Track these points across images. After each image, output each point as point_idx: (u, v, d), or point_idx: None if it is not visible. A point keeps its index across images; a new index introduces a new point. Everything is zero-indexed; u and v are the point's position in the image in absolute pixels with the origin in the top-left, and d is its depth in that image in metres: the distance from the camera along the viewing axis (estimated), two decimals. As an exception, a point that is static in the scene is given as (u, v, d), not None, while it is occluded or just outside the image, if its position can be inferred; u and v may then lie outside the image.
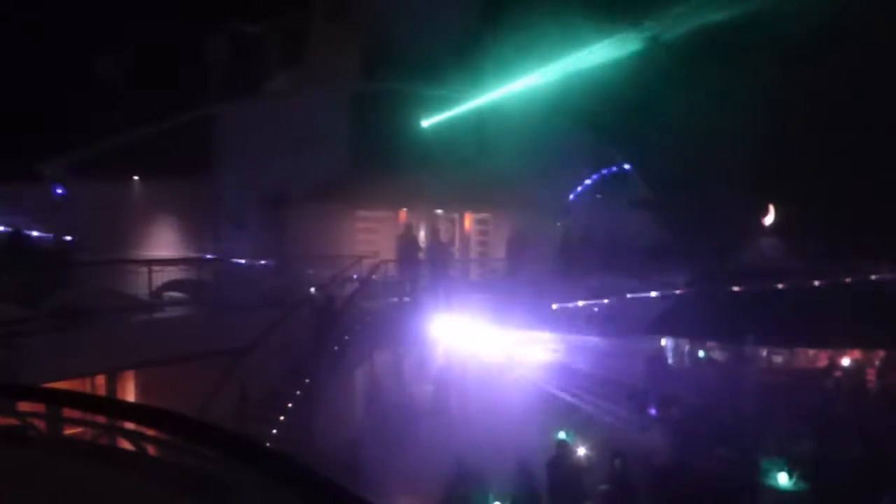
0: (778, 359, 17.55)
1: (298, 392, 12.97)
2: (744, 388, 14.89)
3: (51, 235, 15.61)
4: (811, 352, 17.68)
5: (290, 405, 12.80)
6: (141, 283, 13.65)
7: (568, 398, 13.56)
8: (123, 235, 17.15)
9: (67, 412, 3.96)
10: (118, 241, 16.72)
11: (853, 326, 15.92)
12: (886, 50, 22.66)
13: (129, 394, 14.10)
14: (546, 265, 18.51)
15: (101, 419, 3.81)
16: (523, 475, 11.07)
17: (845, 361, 17.06)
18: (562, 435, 12.25)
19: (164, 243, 17.47)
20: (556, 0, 18.34)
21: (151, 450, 3.00)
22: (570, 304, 16.76)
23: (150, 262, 14.15)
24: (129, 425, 3.07)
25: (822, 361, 17.36)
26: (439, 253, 17.50)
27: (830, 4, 17.98)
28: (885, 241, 19.62)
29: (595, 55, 18.70)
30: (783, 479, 12.05)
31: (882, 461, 12.11)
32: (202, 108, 17.91)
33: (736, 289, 16.97)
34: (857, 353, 17.10)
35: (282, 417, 12.55)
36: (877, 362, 16.87)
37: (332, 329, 13.87)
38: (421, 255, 17.38)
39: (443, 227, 19.62)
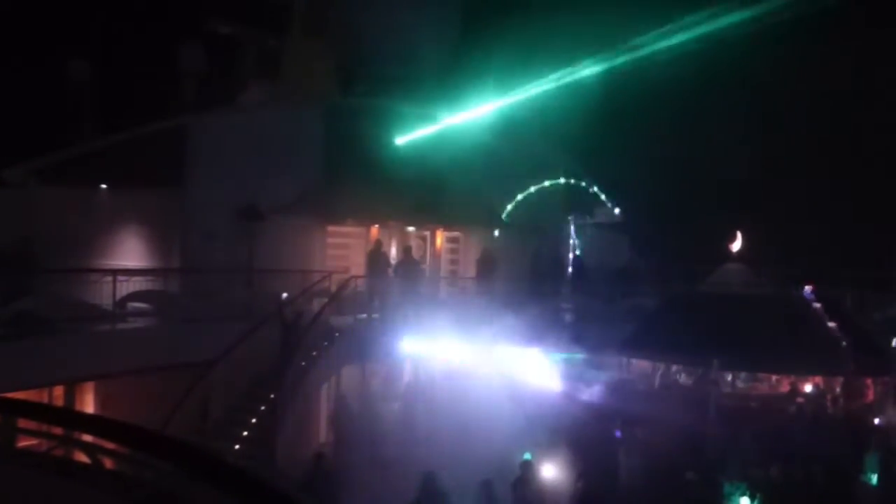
0: (741, 384, 17.76)
1: (263, 407, 12.79)
2: (708, 412, 15.02)
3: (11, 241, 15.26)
4: (774, 377, 17.92)
5: (253, 420, 12.61)
6: (105, 293, 13.39)
7: (534, 417, 13.55)
8: (89, 244, 16.85)
9: (23, 423, 3.85)
10: (83, 250, 16.42)
11: (814, 353, 16.21)
12: (848, 77, 23.37)
13: (89, 406, 13.79)
14: (516, 285, 18.58)
15: (57, 431, 3.72)
16: (487, 495, 11.02)
17: (807, 388, 17.33)
18: (527, 455, 12.23)
19: (130, 253, 17.19)
20: (530, 22, 18.60)
21: (108, 463, 2.93)
22: (539, 325, 16.80)
23: (116, 272, 13.90)
24: (87, 437, 3.00)
25: (785, 387, 17.60)
26: (409, 270, 17.47)
27: (797, 40, 18.53)
28: (849, 270, 20.09)
29: (569, 78, 18.95)
30: None
31: (841, 486, 12.30)
32: (175, 118, 17.74)
33: (701, 313, 17.17)
34: (819, 380, 17.38)
35: (245, 433, 12.36)
36: (837, 389, 17.15)
37: (299, 344, 13.72)
38: (391, 272, 17.33)
39: (414, 244, 19.61)
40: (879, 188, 23.92)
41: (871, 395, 16.97)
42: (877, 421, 15.80)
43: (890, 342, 17.00)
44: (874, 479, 12.54)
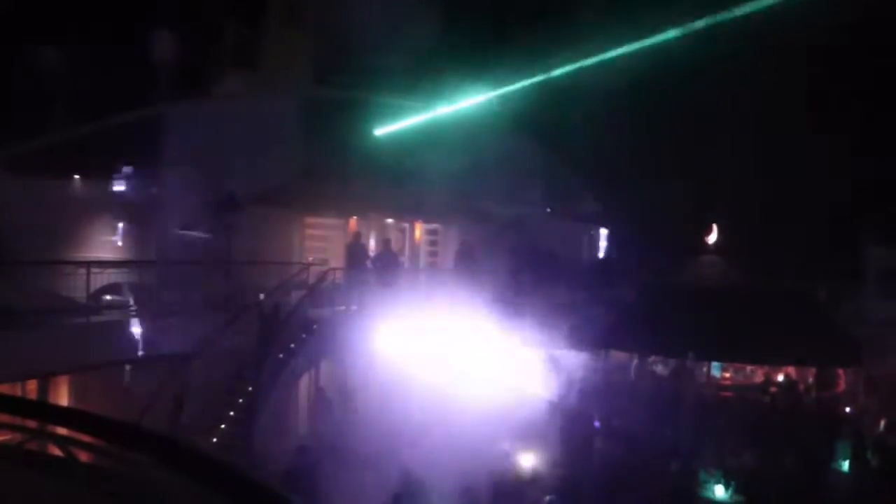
0: (717, 374, 17.99)
1: (241, 400, 12.71)
2: (684, 402, 15.21)
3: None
4: (748, 368, 18.18)
5: (231, 413, 12.53)
6: (79, 286, 13.18)
7: (513, 408, 13.60)
8: (62, 235, 16.57)
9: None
10: (56, 241, 16.15)
11: (788, 344, 16.46)
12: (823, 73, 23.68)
13: (63, 400, 13.59)
14: (495, 277, 18.61)
15: (30, 423, 3.65)
16: (467, 486, 11.06)
17: (780, 377, 17.60)
18: (505, 447, 12.30)
19: (105, 245, 16.95)
20: (509, 14, 18.57)
21: (82, 455, 2.88)
22: (517, 316, 16.85)
23: (89, 264, 13.68)
24: (61, 430, 2.94)
25: (759, 377, 17.87)
26: (388, 262, 17.43)
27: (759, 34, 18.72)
28: (820, 263, 20.41)
29: (549, 71, 18.97)
30: (720, 491, 12.32)
31: (814, 473, 12.53)
32: (149, 107, 17.49)
33: (677, 305, 17.35)
34: (792, 370, 17.66)
35: (223, 425, 12.28)
36: (810, 379, 17.44)
37: (277, 337, 13.64)
38: (369, 264, 17.28)
39: (393, 236, 19.57)
40: (853, 182, 24.29)
41: (842, 385, 17.28)
42: (848, 410, 16.11)
43: (860, 333, 17.31)
44: (845, 466, 12.78)
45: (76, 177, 17.38)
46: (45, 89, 18.32)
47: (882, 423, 14.78)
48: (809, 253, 21.60)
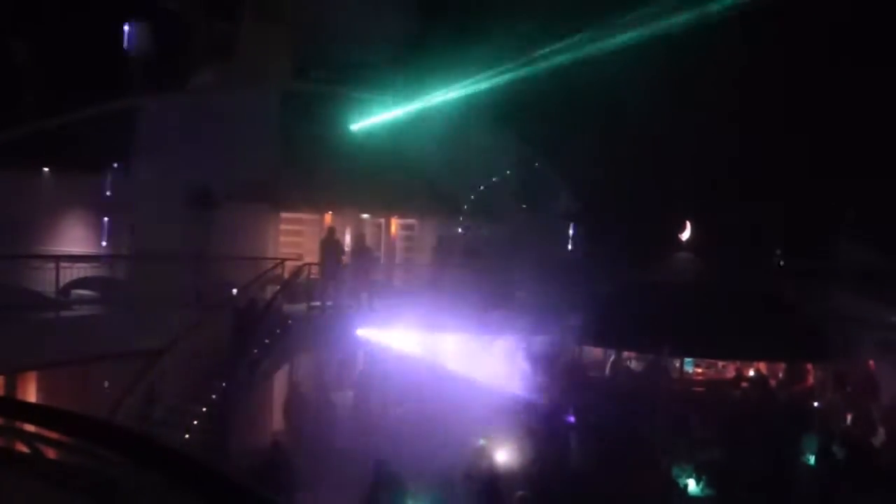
0: (689, 370, 18.21)
1: (214, 396, 12.61)
2: (658, 398, 15.36)
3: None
4: (720, 363, 18.41)
5: (204, 409, 12.42)
6: (48, 280, 12.98)
7: (488, 403, 13.66)
8: (31, 229, 16.30)
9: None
10: (25, 235, 15.88)
11: (759, 340, 16.70)
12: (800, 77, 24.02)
13: (31, 396, 13.39)
14: (471, 271, 18.66)
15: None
16: (442, 480, 11.09)
17: (751, 373, 17.85)
18: (481, 441, 12.34)
19: (76, 239, 16.70)
20: (487, 10, 18.59)
21: (50, 452, 2.85)
22: (493, 312, 16.91)
23: (59, 258, 13.48)
24: (28, 427, 2.91)
25: (731, 373, 18.11)
26: (363, 258, 17.38)
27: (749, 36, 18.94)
28: (794, 260, 20.73)
29: (527, 68, 19.04)
30: (691, 485, 12.48)
31: (782, 467, 12.75)
32: (123, 100, 17.23)
33: (651, 301, 17.52)
34: (762, 366, 17.92)
35: (196, 421, 12.17)
36: (780, 374, 17.72)
37: (251, 332, 13.54)
38: (345, 260, 17.21)
39: (368, 231, 19.51)
40: (829, 182, 24.66)
41: (811, 380, 17.57)
42: (816, 404, 16.39)
43: (830, 329, 17.61)
44: (812, 459, 13.01)
45: (46, 170, 17.11)
46: (16, 81, 17.99)
47: (848, 417, 15.08)
48: (783, 250, 21.93)
